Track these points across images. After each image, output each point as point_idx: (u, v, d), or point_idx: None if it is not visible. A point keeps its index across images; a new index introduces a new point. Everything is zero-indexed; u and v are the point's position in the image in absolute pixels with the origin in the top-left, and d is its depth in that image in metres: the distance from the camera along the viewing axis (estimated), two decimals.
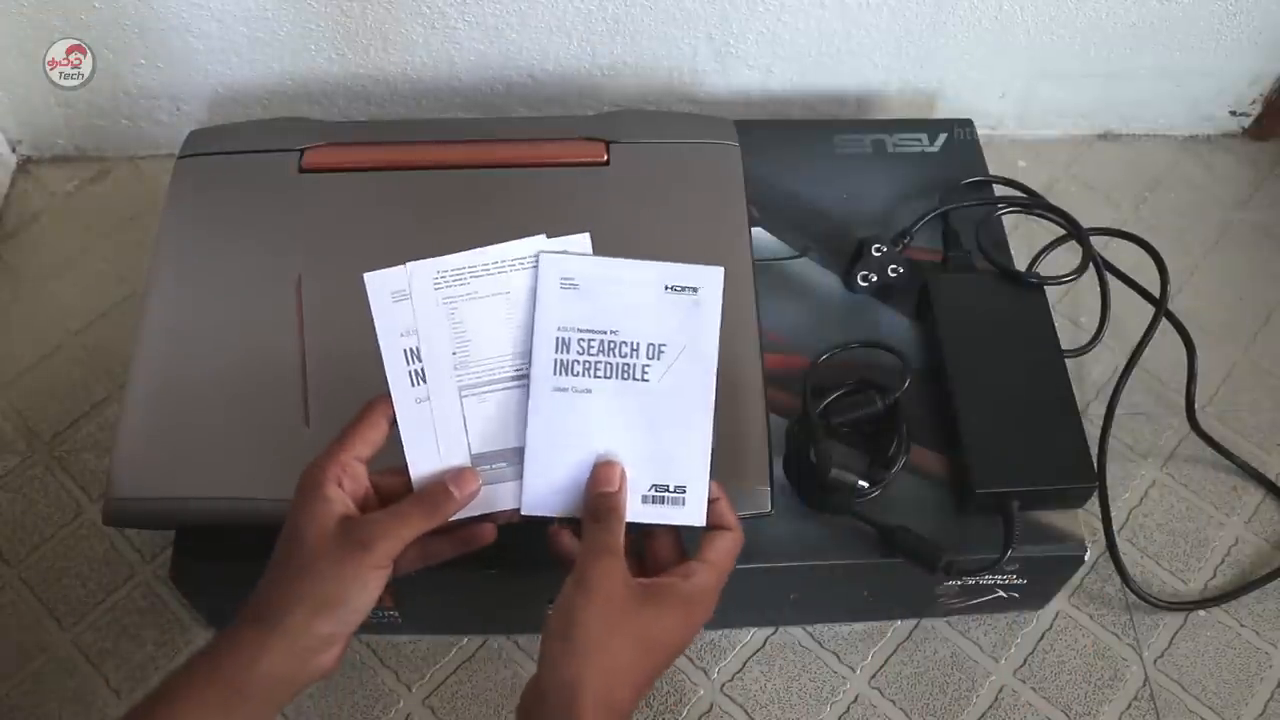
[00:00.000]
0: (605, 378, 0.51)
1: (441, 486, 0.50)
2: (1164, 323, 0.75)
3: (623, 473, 0.51)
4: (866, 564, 0.63)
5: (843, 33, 0.87)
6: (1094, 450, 0.72)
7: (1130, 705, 0.70)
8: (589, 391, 0.51)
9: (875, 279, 0.71)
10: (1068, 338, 0.74)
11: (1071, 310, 0.86)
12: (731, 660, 0.70)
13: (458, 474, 0.51)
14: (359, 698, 0.68)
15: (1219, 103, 0.97)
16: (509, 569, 0.62)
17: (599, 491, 0.51)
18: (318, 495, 0.48)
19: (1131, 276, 0.78)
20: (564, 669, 0.46)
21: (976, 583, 0.66)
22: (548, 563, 0.62)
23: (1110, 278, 0.75)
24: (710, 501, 0.52)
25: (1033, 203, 0.79)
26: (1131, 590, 0.73)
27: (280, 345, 0.61)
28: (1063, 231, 0.76)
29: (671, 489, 0.52)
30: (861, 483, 0.63)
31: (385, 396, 0.52)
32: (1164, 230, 0.91)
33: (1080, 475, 0.63)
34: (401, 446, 0.51)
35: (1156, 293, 0.75)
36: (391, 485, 0.51)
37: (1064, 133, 0.99)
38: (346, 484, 0.49)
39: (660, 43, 0.86)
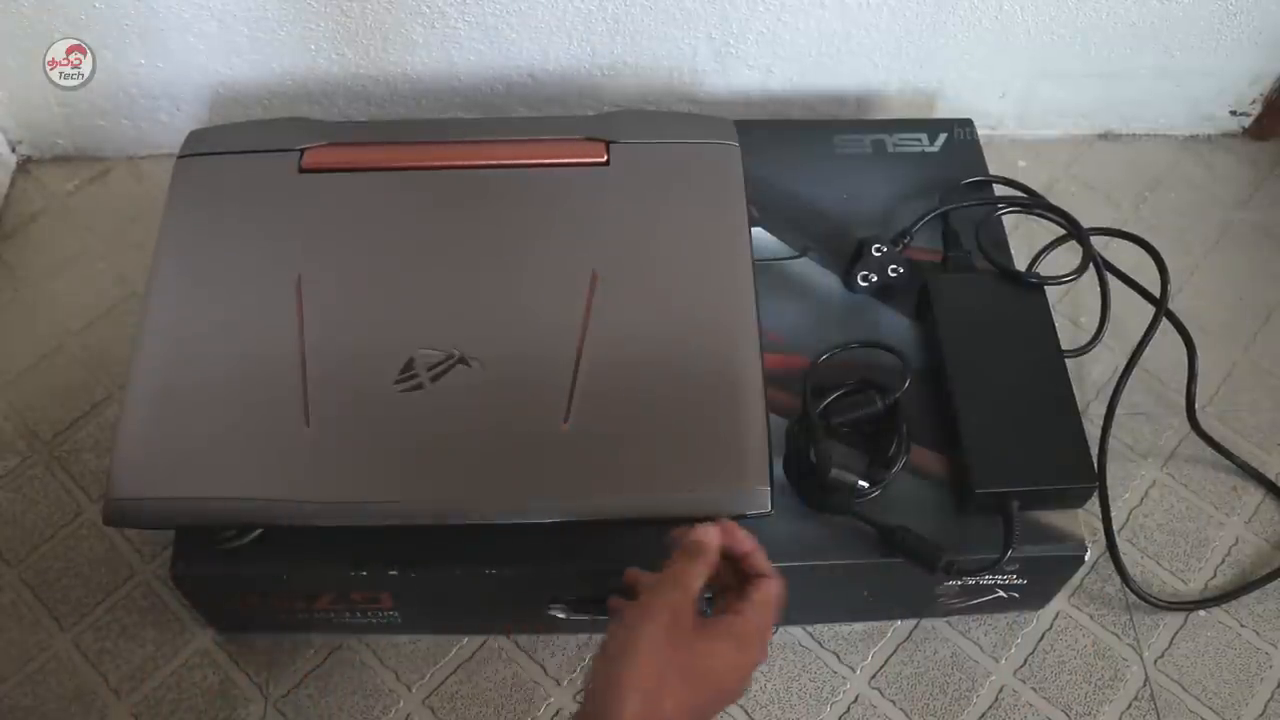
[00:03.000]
0: None
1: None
2: (1164, 323, 0.75)
3: (725, 529, 0.53)
4: (866, 564, 0.63)
5: (843, 33, 0.87)
6: (1094, 450, 0.72)
7: (1130, 705, 0.70)
8: None
9: (875, 279, 0.71)
10: (1068, 338, 0.74)
11: (1071, 310, 0.86)
12: None
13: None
14: (359, 698, 0.68)
15: (1219, 103, 0.97)
16: (509, 569, 0.62)
17: (700, 539, 0.52)
18: None
19: (1131, 276, 0.78)
20: (611, 697, 0.46)
21: (976, 583, 0.66)
22: (548, 562, 0.62)
23: (1110, 278, 0.75)
24: (743, 555, 0.53)
25: (1033, 203, 0.79)
26: (1131, 590, 0.73)
27: (280, 345, 0.61)
28: (1063, 231, 0.76)
29: None
30: (861, 483, 0.63)
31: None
32: (1164, 230, 0.91)
33: (1080, 475, 0.63)
34: None
35: (1157, 293, 0.75)
36: None
37: (1064, 133, 0.99)
38: None
39: (660, 43, 0.86)
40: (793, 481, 0.64)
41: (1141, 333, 0.75)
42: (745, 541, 0.54)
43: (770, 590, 0.53)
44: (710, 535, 0.52)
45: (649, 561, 0.62)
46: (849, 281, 0.72)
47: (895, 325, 0.71)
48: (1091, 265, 0.73)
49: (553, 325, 0.62)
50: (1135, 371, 0.75)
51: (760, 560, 0.54)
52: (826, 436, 0.63)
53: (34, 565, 0.73)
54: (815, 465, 0.62)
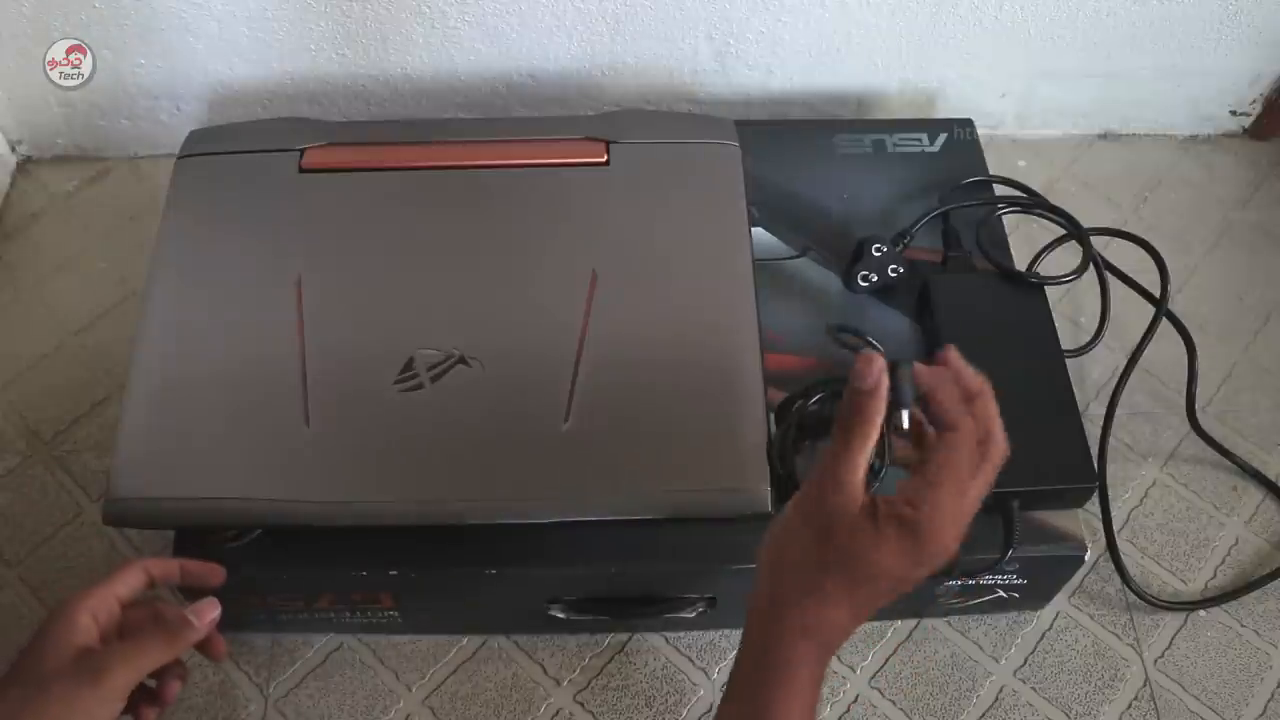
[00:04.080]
0: None
1: (180, 616, 0.52)
2: (1164, 323, 0.75)
3: (883, 370, 0.45)
4: None
5: (843, 33, 0.87)
6: (1094, 450, 0.72)
7: (1130, 705, 0.70)
8: None
9: (875, 279, 0.71)
10: (1068, 338, 0.74)
11: (1072, 310, 0.86)
12: (731, 660, 0.70)
13: (198, 604, 0.53)
14: (359, 698, 0.68)
15: (1219, 103, 0.97)
16: (509, 569, 0.62)
17: (854, 384, 0.45)
18: (65, 620, 0.49)
19: (1131, 276, 0.78)
20: (759, 571, 0.48)
21: (976, 583, 0.66)
22: (548, 562, 0.62)
23: (1110, 278, 0.75)
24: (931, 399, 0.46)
25: (1033, 203, 0.79)
26: (1131, 590, 0.73)
27: (280, 345, 0.62)
28: (1063, 231, 0.76)
29: None
30: None
31: (151, 558, 0.55)
32: (1164, 230, 0.92)
33: (1080, 475, 0.63)
34: None
35: (1156, 293, 0.75)
36: (138, 618, 0.52)
37: (1064, 133, 0.99)
38: (101, 617, 0.50)
39: (660, 43, 0.86)
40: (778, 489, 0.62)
41: (1141, 333, 0.75)
42: (931, 380, 0.45)
43: (943, 458, 0.44)
44: (865, 379, 0.44)
45: (649, 562, 0.62)
46: (849, 281, 0.72)
47: (895, 325, 0.71)
48: (1091, 265, 0.73)
49: (553, 325, 0.62)
50: (1135, 371, 0.75)
51: (948, 404, 0.45)
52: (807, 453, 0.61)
53: (34, 565, 0.73)
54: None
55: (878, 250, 0.71)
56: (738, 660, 0.49)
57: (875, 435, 0.45)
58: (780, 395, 0.66)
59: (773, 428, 0.61)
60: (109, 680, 0.48)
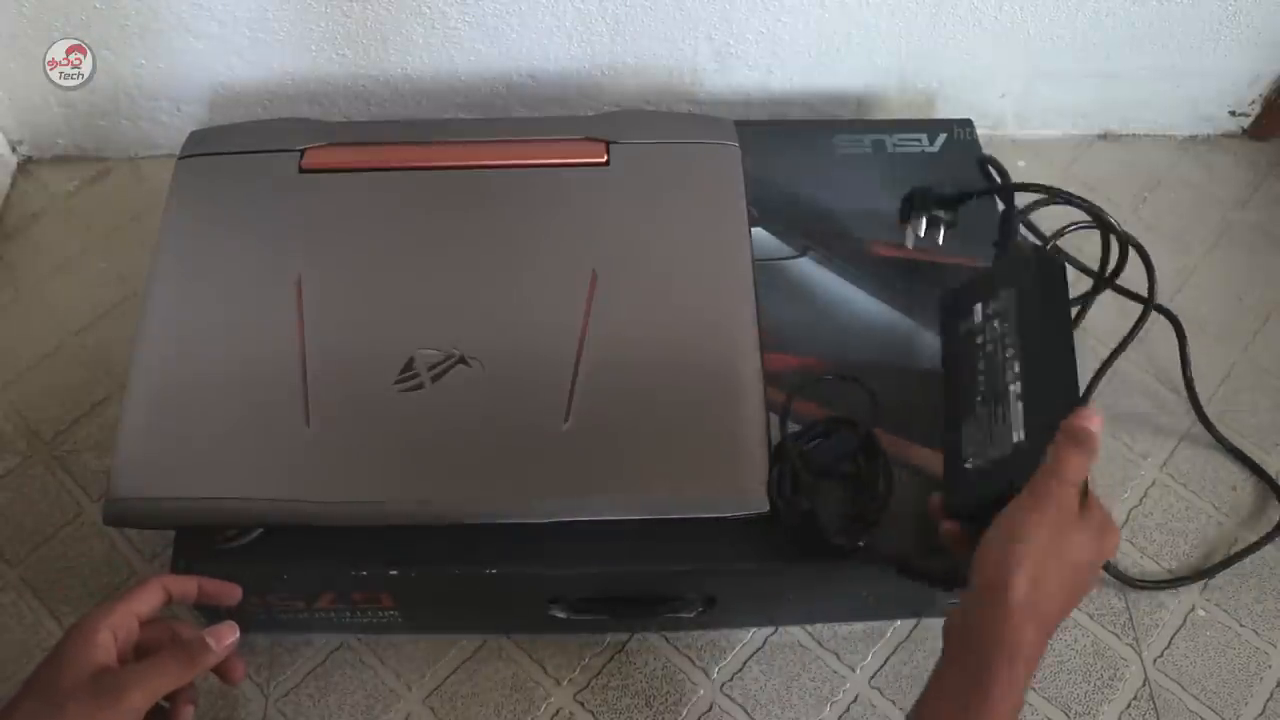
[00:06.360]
0: None
1: (199, 639, 0.52)
2: (1164, 323, 0.75)
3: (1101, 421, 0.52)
4: (866, 566, 0.63)
5: (843, 33, 0.87)
6: None
7: (1130, 705, 0.70)
8: None
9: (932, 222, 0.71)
10: None
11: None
12: (731, 660, 0.70)
13: (217, 627, 0.54)
14: (359, 698, 0.68)
15: (1219, 103, 0.97)
16: (509, 569, 0.62)
17: (1084, 425, 0.51)
18: (85, 637, 0.50)
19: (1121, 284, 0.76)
20: (1004, 569, 0.48)
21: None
22: (548, 562, 0.62)
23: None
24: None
25: (1094, 211, 0.74)
26: (1131, 589, 0.73)
27: (280, 345, 0.62)
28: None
29: None
30: (860, 543, 0.61)
31: (169, 576, 0.56)
32: (1163, 230, 0.92)
33: None
34: None
35: (1145, 292, 0.74)
36: (155, 637, 0.53)
37: (1064, 133, 0.99)
38: (120, 635, 0.51)
39: (660, 43, 0.87)
40: (784, 527, 0.61)
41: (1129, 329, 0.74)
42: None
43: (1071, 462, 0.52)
44: (1095, 422, 0.51)
45: (649, 562, 0.62)
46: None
47: (896, 325, 0.71)
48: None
49: (553, 325, 0.63)
50: (1135, 372, 0.76)
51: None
52: (811, 490, 0.61)
53: (34, 565, 0.73)
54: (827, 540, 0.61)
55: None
56: (943, 656, 0.51)
57: (1084, 469, 0.52)
58: (780, 396, 0.66)
59: (770, 424, 0.61)
60: (126, 701, 0.48)
